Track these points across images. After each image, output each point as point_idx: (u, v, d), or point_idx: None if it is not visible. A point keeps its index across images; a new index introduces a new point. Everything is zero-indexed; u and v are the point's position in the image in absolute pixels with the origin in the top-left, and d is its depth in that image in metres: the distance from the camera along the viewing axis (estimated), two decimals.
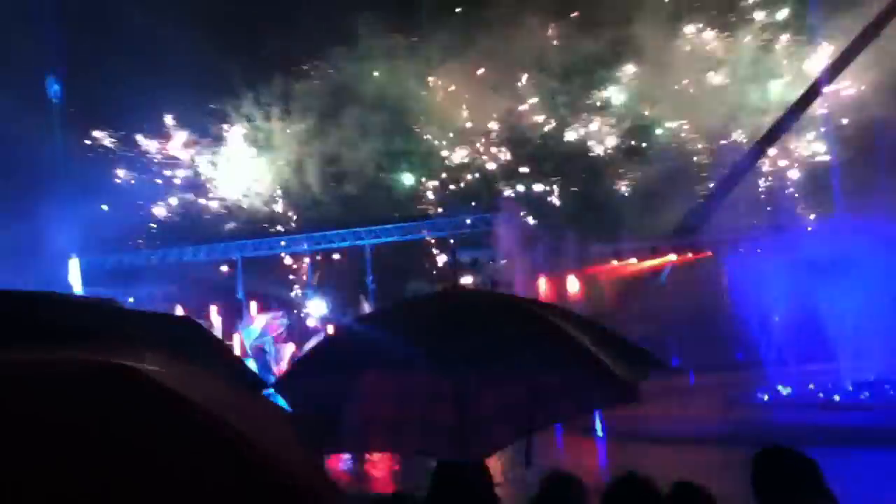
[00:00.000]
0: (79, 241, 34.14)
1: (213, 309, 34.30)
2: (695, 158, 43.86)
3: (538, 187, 44.94)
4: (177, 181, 43.23)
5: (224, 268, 38.94)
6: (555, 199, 44.58)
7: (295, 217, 44.47)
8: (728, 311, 29.94)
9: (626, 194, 44.14)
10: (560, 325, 5.51)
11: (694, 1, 43.41)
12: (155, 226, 42.27)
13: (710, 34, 44.06)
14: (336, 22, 41.88)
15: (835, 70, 37.68)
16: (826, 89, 37.81)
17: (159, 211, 42.49)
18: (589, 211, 42.05)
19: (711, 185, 40.10)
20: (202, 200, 43.64)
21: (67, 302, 2.73)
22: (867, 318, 23.19)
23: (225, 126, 43.76)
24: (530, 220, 42.51)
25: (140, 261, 37.37)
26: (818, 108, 39.90)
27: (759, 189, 41.19)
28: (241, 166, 43.71)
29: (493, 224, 39.89)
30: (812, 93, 37.82)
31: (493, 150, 44.23)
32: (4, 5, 33.11)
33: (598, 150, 44.69)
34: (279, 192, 43.86)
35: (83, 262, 33.71)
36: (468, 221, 40.28)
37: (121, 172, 42.00)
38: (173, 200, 42.83)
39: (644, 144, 44.42)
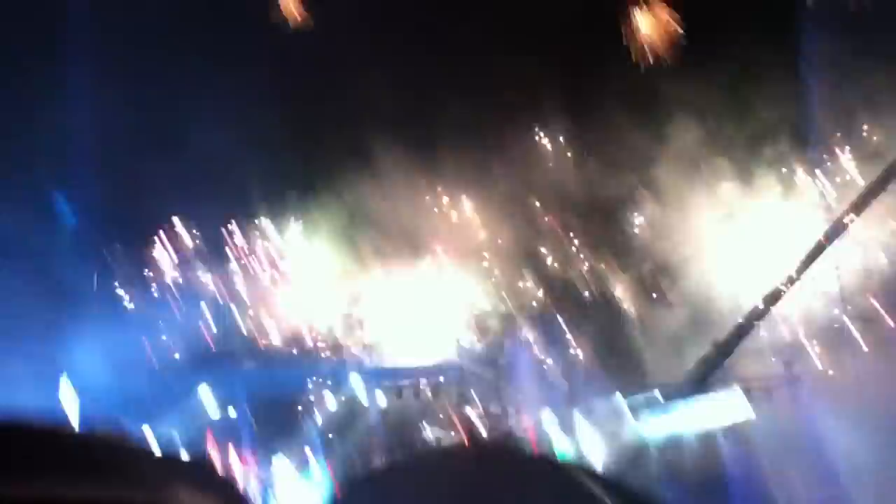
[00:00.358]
0: (78, 365, 33.80)
1: (211, 441, 33.65)
2: (715, 305, 43.40)
3: (551, 324, 44.42)
4: (189, 305, 42.84)
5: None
6: (568, 338, 43.98)
7: (312, 352, 43.87)
8: (742, 466, 29.13)
9: (642, 338, 43.59)
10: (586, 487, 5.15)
11: (716, 145, 43.67)
12: (169, 345, 41.61)
13: (732, 179, 44.10)
14: (350, 144, 42.44)
15: (839, 225, 37.80)
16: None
17: (168, 336, 41.95)
18: (603, 352, 41.54)
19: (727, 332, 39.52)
20: (210, 327, 43.18)
21: (82, 437, 2.55)
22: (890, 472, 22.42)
23: (240, 250, 43.78)
24: (542, 358, 41.95)
25: (143, 388, 36.71)
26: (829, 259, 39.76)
27: (775, 337, 40.57)
28: (258, 294, 43.48)
29: (503, 360, 39.36)
30: (819, 246, 37.85)
31: (507, 284, 43.94)
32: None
33: (615, 290, 44.37)
34: (298, 324, 43.38)
35: (80, 387, 33.17)
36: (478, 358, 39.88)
37: (130, 293, 41.76)
38: (184, 326, 42.36)
39: (661, 287, 44.07)
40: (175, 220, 42.03)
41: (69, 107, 36.47)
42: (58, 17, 36.34)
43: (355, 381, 38.98)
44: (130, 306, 41.59)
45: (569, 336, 43.90)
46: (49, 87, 36.49)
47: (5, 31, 34.86)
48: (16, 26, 35.43)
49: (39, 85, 36.12)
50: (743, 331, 38.06)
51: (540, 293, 44.41)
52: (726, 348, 37.91)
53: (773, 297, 37.98)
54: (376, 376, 38.33)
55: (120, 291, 41.43)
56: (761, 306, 37.98)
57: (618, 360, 41.99)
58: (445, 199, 43.95)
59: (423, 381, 36.66)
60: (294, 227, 43.82)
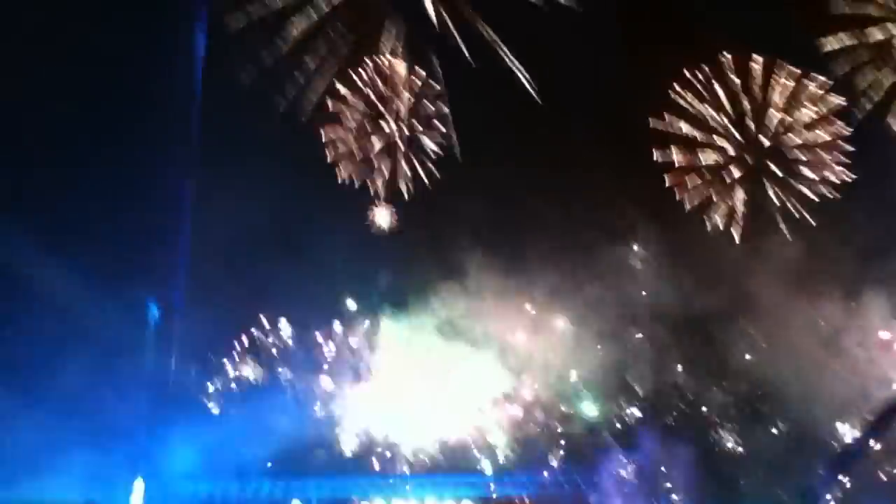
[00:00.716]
0: (150, 466, 34.02)
1: None
2: (817, 429, 40.91)
3: (642, 443, 42.54)
4: (271, 408, 42.73)
5: None
6: (659, 457, 41.90)
7: (389, 457, 43.10)
8: None
9: (741, 461, 41.33)
10: None
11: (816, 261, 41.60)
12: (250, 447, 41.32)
13: (835, 298, 41.87)
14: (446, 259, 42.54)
15: None
16: None
17: (249, 437, 41.76)
18: (701, 475, 39.37)
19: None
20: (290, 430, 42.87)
21: None
22: None
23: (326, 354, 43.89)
24: (630, 478, 40.09)
25: (214, 491, 36.59)
26: None
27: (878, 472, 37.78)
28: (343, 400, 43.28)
29: (585, 482, 37.84)
30: None
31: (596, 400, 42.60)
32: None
33: (710, 410, 42.37)
34: (373, 428, 42.81)
35: (151, 488, 33.25)
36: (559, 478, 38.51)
37: (215, 395, 42.05)
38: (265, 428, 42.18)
39: (761, 409, 41.86)
40: (264, 322, 42.55)
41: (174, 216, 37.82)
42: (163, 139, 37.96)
43: (432, 488, 38.10)
44: (212, 406, 41.82)
45: (660, 454, 41.94)
46: (153, 201, 37.87)
47: (103, 149, 36.75)
48: (112, 144, 37.32)
49: (140, 198, 37.61)
50: (847, 458, 35.57)
51: (632, 411, 42.80)
52: (830, 476, 35.48)
53: (881, 423, 35.50)
54: (457, 483, 37.41)
55: (205, 393, 41.84)
56: (867, 432, 35.49)
57: (713, 483, 39.76)
58: (535, 314, 43.28)
59: (499, 488, 35.61)
60: (383, 335, 43.70)
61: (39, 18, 36.41)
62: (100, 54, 37.06)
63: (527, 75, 40.54)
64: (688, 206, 40.52)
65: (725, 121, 40.91)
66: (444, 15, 40.12)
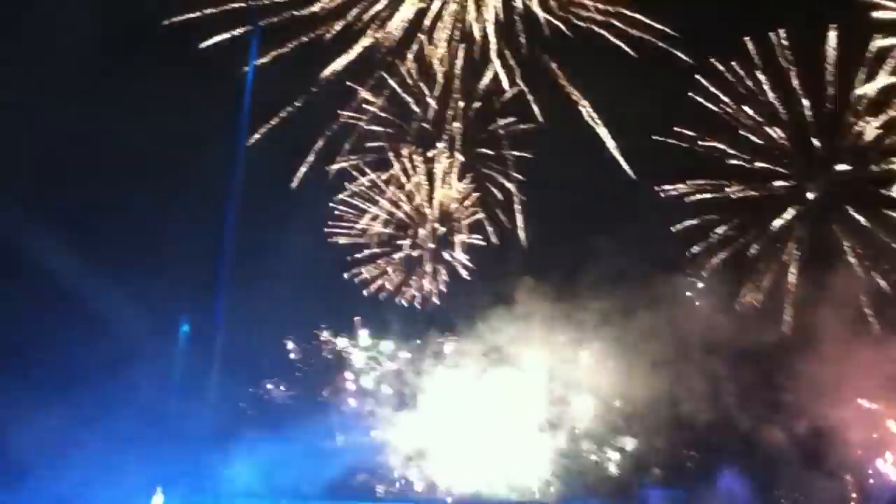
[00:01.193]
0: (184, 484, 34.52)
1: None
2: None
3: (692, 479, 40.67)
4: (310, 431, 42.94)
5: None
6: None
7: (431, 483, 42.71)
8: None
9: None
10: None
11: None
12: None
13: None
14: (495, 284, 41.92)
15: None
16: None
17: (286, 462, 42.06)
18: None
19: None
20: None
21: None
22: None
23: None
24: None
25: None
26: None
27: None
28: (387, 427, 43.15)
29: None
30: None
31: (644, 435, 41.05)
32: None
33: (769, 446, 40.07)
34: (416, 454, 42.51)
35: (171, 499, 33.78)
36: None
37: (249, 419, 42.52)
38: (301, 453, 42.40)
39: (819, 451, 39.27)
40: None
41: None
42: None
43: None
44: (250, 425, 42.21)
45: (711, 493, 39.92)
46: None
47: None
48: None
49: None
50: None
51: (682, 446, 41.04)
52: None
53: None
54: None
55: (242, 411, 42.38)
56: None
57: None
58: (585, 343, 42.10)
59: None
60: (429, 359, 43.45)
61: (97, 59, 37.98)
62: (148, 88, 38.54)
63: (611, 140, 38.16)
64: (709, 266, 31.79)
65: (777, 133, 32.04)
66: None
